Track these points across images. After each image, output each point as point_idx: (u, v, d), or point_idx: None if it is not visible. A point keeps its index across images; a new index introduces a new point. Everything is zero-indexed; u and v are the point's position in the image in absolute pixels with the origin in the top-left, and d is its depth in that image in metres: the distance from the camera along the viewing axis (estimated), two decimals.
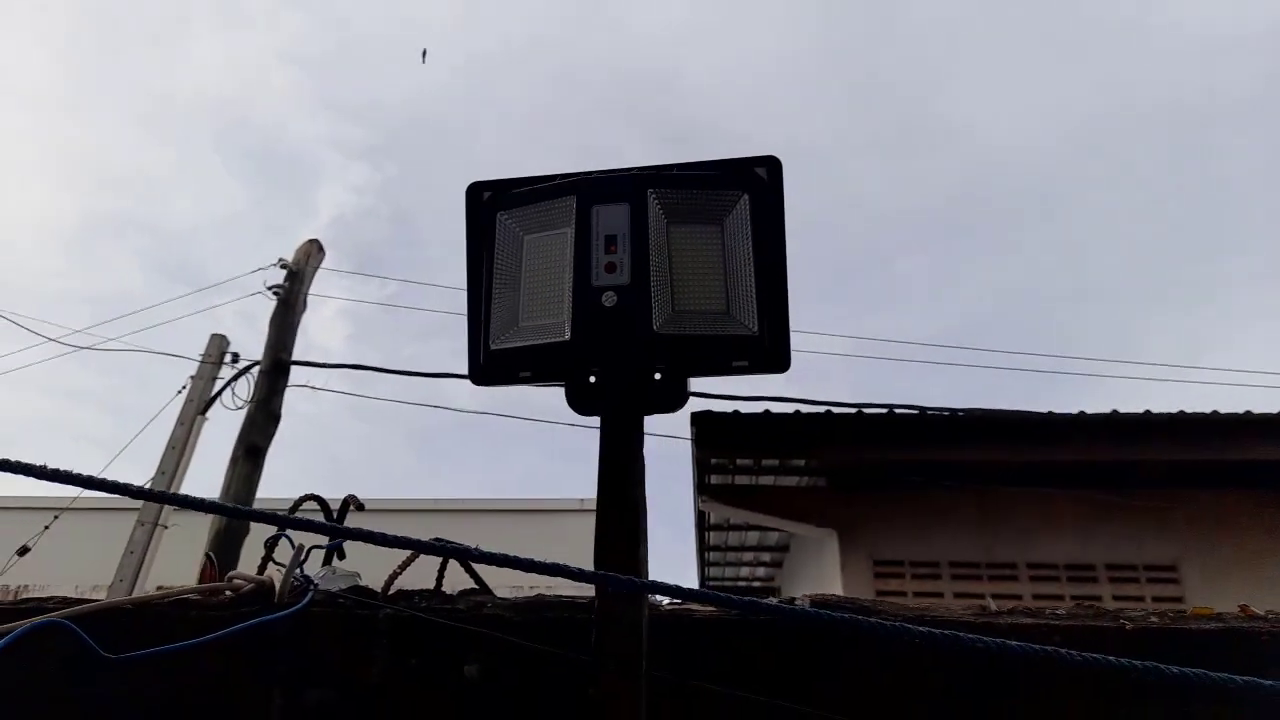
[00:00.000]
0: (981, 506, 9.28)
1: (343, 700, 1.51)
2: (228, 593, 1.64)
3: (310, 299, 11.27)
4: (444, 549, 1.43)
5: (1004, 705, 1.40)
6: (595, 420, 1.64)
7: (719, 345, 1.61)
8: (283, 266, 11.09)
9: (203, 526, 9.49)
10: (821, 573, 10.44)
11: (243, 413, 10.53)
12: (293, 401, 10.31)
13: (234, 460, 10.19)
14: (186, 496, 1.44)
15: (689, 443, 9.36)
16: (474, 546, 1.45)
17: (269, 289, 11.01)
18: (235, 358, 11.78)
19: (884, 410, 9.06)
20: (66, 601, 1.54)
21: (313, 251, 11.28)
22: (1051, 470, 8.90)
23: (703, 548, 13.01)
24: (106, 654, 1.34)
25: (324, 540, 1.73)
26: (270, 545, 1.75)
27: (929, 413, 8.99)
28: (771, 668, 1.46)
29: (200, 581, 1.77)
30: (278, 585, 1.61)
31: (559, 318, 1.62)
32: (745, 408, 9.12)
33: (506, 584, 2.09)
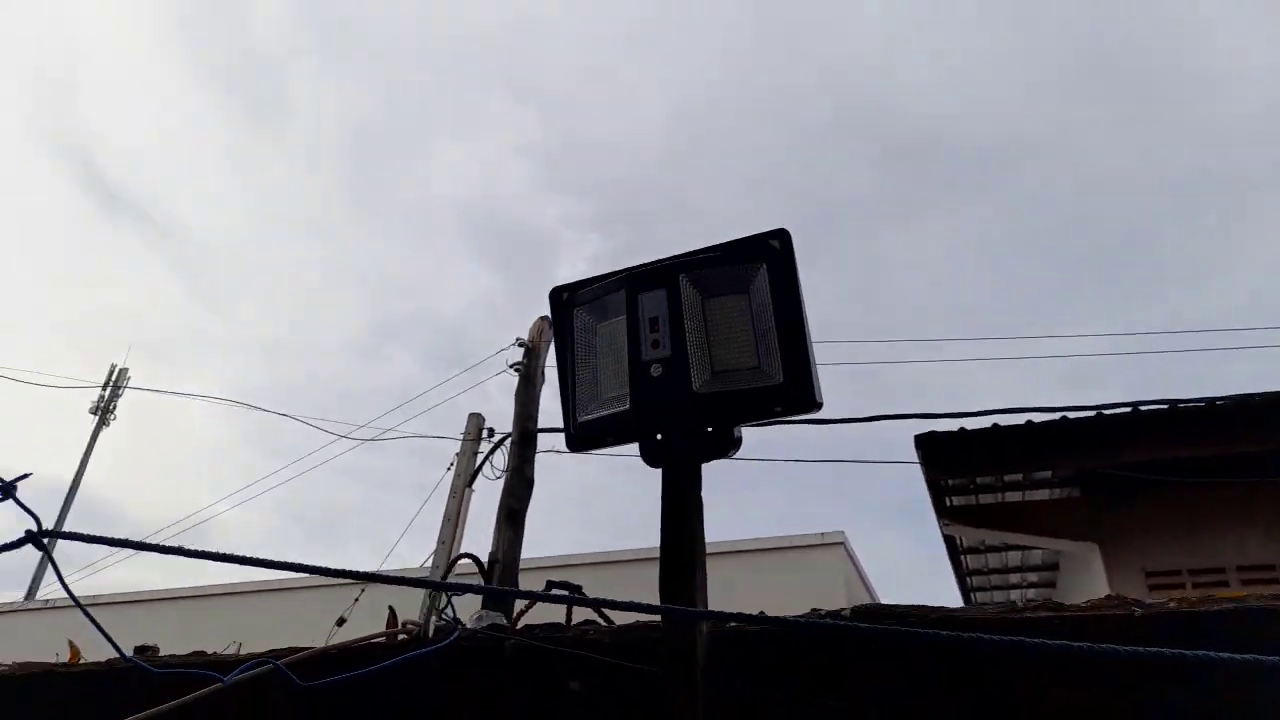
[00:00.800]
0: (1274, 502, 8.34)
1: (480, 714, 1.91)
2: (402, 636, 2.10)
3: (547, 371, 12.30)
4: (544, 596, 1.80)
5: (1010, 692, 1.51)
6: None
7: (753, 397, 1.87)
8: (520, 344, 12.20)
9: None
10: (1092, 589, 9.74)
11: (501, 482, 11.59)
12: (553, 463, 11.27)
13: (498, 525, 11.24)
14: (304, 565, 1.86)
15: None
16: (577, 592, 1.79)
17: (510, 366, 12.14)
18: (491, 432, 13.00)
19: (1127, 409, 8.43)
20: (292, 650, 2.06)
21: (544, 328, 12.32)
22: None
23: (961, 572, 12.51)
24: (300, 682, 1.81)
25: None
26: (431, 600, 2.22)
27: (1180, 406, 8.24)
28: (812, 670, 1.68)
29: (386, 628, 2.26)
30: (431, 629, 2.06)
31: (623, 390, 1.96)
32: (975, 424, 8.84)
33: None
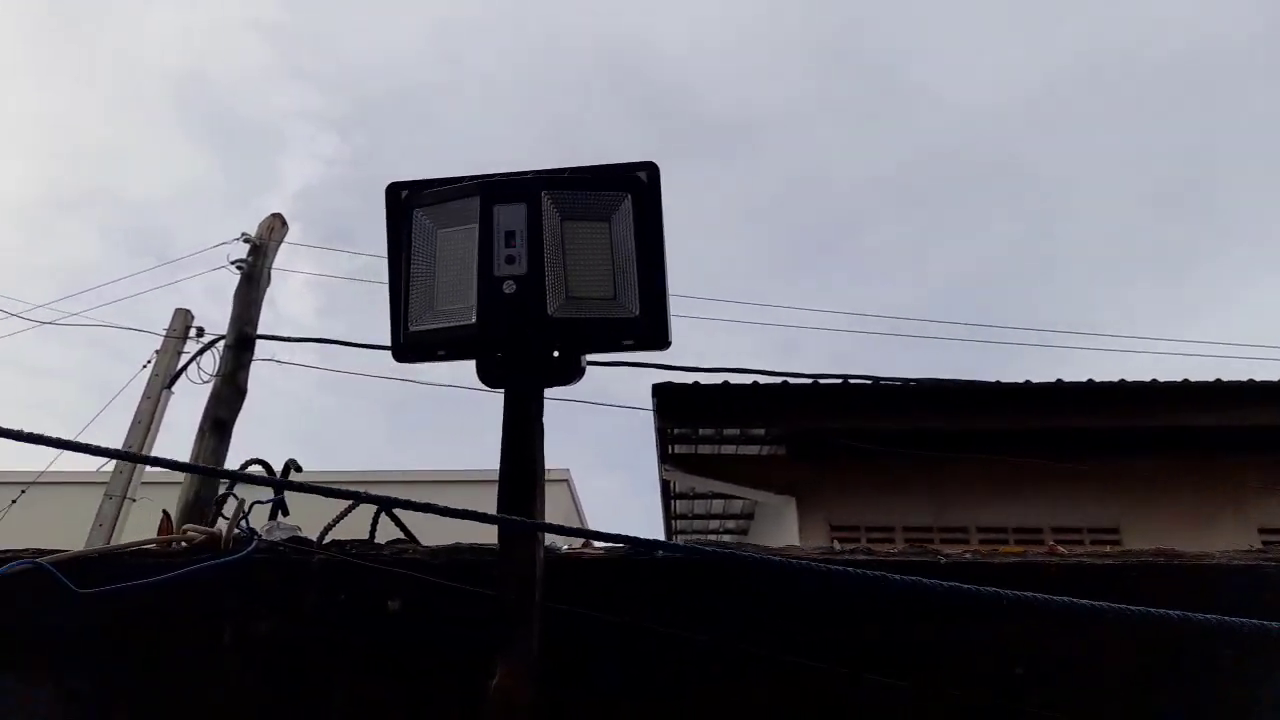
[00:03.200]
0: (934, 472, 9.59)
1: (282, 632, 1.75)
2: (182, 544, 1.87)
3: (275, 273, 11.33)
4: (368, 498, 1.67)
5: (841, 621, 1.66)
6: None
7: (607, 327, 1.84)
8: (246, 240, 11.13)
9: (170, 499, 9.66)
10: (782, 538, 10.73)
11: (208, 388, 10.62)
12: (266, 376, 10.41)
13: (201, 434, 10.31)
14: (151, 456, 1.64)
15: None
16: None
17: (232, 263, 11.06)
18: (200, 332, 11.84)
19: (839, 380, 9.37)
20: (40, 552, 1.76)
21: (276, 225, 11.35)
22: (1001, 437, 9.21)
23: (669, 515, 13.30)
24: (77, 589, 1.56)
25: (270, 498, 1.95)
26: (219, 502, 1.99)
27: (882, 383, 9.31)
28: (654, 599, 1.72)
29: (159, 534, 1.99)
30: (224, 537, 1.85)
31: (468, 303, 1.85)
32: (707, 379, 9.39)
33: (436, 541, 2.32)
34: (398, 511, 2.09)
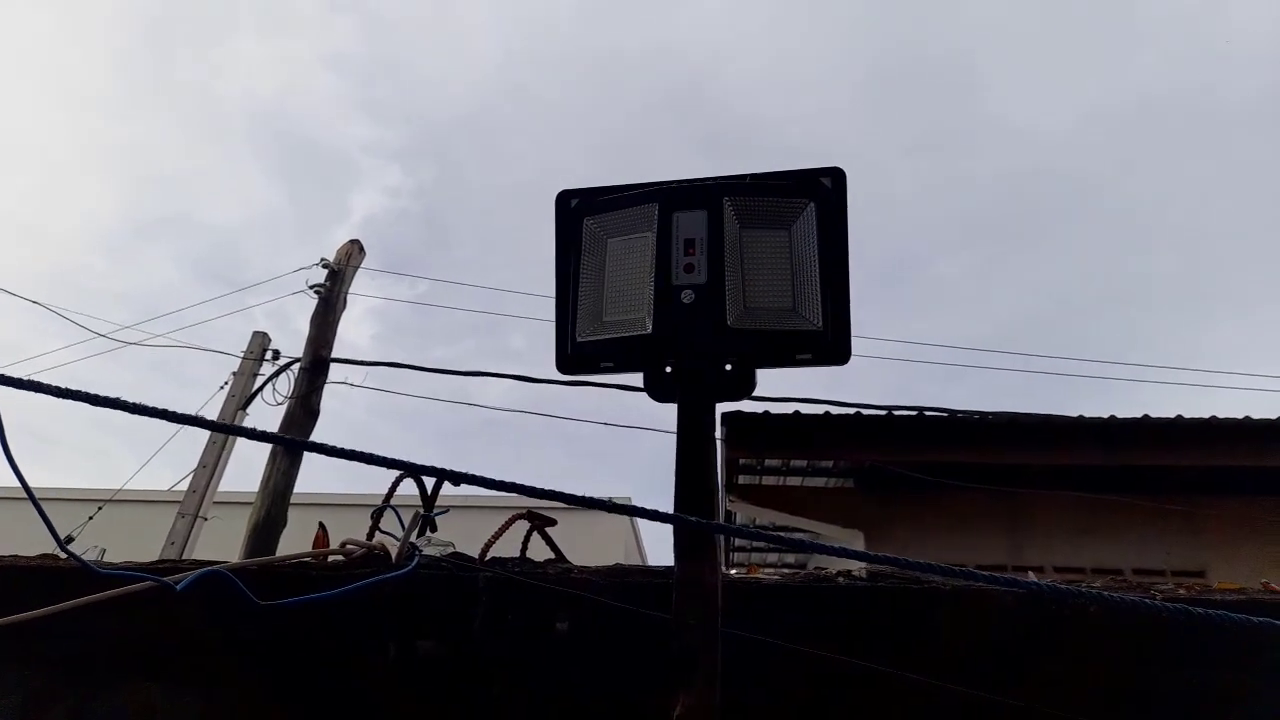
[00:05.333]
0: (1010, 509, 9.32)
1: (448, 650, 1.69)
2: (340, 557, 1.82)
3: (350, 298, 11.54)
4: (535, 492, 1.62)
5: (1035, 651, 1.56)
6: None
7: (786, 339, 1.77)
8: (324, 266, 11.36)
9: (240, 519, 9.76)
10: None
11: (282, 409, 10.76)
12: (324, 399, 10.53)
13: (273, 455, 10.44)
14: (274, 435, 1.60)
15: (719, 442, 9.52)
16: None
17: (311, 287, 11.26)
18: (276, 355, 12.05)
19: (914, 412, 9.16)
20: (198, 563, 1.73)
21: (353, 252, 11.57)
22: (1080, 474, 8.94)
23: (728, 548, 13.12)
24: (257, 601, 1.51)
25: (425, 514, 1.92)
26: (376, 516, 1.94)
27: (958, 415, 9.08)
28: (829, 627, 1.63)
29: (314, 547, 1.95)
30: (393, 551, 1.79)
31: (640, 313, 1.79)
32: (774, 408, 9.25)
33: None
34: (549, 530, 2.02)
